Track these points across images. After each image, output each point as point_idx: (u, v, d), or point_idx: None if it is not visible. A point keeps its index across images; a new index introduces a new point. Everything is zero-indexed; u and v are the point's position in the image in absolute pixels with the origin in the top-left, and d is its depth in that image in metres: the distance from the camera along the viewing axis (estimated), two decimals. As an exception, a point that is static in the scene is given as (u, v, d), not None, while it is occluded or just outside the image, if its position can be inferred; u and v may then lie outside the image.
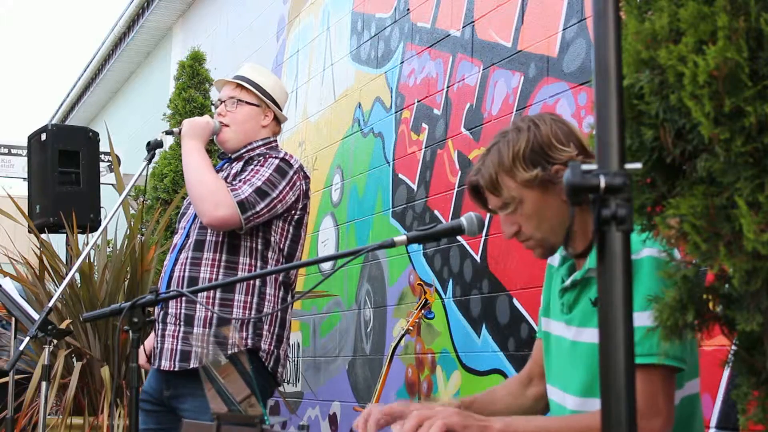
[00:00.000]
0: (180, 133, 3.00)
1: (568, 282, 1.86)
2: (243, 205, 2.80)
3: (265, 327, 2.87)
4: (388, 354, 4.16)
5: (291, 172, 2.93)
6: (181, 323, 2.85)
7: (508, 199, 1.83)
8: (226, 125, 3.04)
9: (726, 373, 2.74)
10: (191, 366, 2.82)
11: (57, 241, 5.66)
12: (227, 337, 2.48)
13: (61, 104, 13.83)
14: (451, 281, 4.22)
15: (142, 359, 2.96)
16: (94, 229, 5.45)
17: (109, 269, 4.78)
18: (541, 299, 2.06)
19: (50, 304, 3.06)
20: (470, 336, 4.03)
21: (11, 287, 3.62)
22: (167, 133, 3.17)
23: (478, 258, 4.04)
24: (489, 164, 1.83)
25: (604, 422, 0.97)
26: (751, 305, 1.21)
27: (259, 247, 2.89)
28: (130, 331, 1.99)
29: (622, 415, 0.97)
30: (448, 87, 4.41)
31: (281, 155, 2.96)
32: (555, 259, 2.00)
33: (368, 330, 4.93)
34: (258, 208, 2.83)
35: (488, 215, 3.96)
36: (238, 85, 3.08)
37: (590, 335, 1.80)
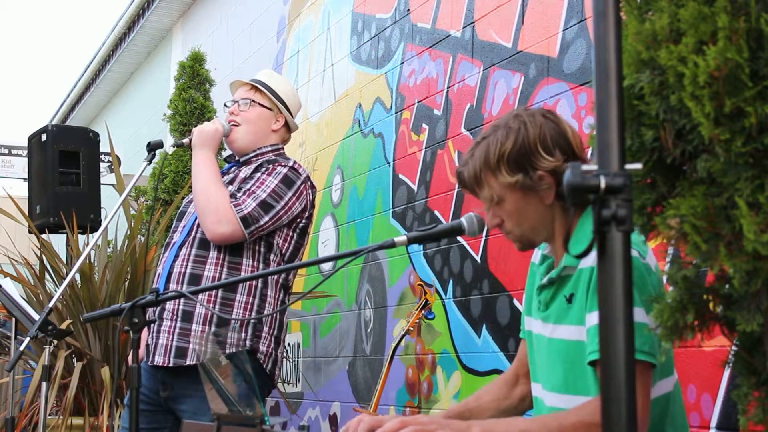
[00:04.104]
0: (190, 143, 3.00)
1: (545, 279, 1.88)
2: (246, 220, 2.81)
3: (265, 329, 2.88)
4: (388, 354, 4.16)
5: (299, 183, 2.93)
6: (178, 319, 2.84)
7: (490, 196, 1.85)
8: (237, 124, 3.04)
9: (726, 373, 2.74)
10: (187, 363, 2.80)
11: (57, 242, 5.67)
12: (227, 337, 2.48)
13: (62, 104, 13.82)
14: (451, 282, 4.22)
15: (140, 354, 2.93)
16: (94, 229, 5.45)
17: (109, 270, 4.78)
18: (524, 299, 2.07)
19: (50, 305, 3.06)
20: (470, 336, 4.03)
21: (11, 288, 3.62)
22: (177, 145, 3.16)
23: (478, 258, 4.04)
24: (476, 159, 1.86)
25: (604, 422, 0.98)
26: (752, 305, 1.21)
27: (262, 249, 2.90)
28: (131, 332, 1.99)
29: (622, 414, 0.97)
30: (448, 87, 4.41)
31: (290, 164, 2.96)
32: (537, 257, 2.00)
33: (368, 330, 4.93)
34: (262, 222, 2.84)
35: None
36: (253, 87, 3.09)
37: (565, 332, 1.81)
